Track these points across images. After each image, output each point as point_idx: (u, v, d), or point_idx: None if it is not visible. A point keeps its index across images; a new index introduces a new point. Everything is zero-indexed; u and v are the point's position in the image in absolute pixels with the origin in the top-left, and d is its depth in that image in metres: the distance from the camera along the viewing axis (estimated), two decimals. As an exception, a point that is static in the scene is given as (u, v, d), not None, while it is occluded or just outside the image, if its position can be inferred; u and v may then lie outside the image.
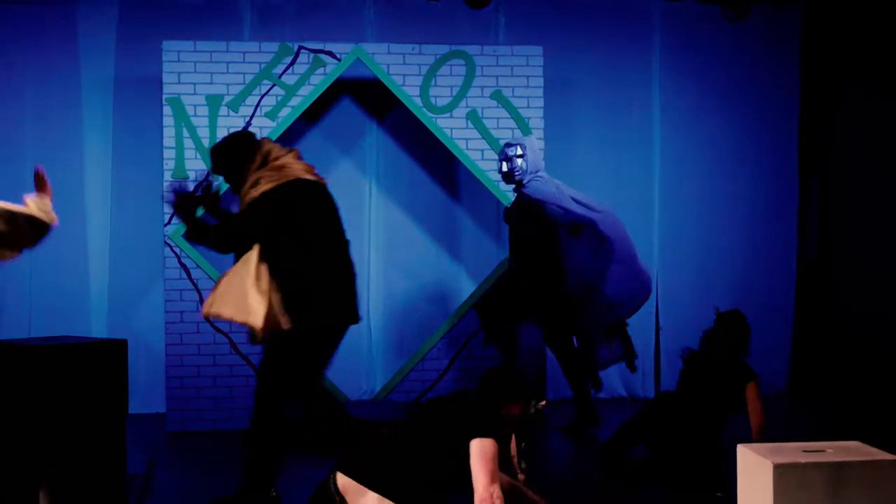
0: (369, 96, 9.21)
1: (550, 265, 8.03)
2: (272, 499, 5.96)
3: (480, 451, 4.84)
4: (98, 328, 9.03)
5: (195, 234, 6.03)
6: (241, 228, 5.92)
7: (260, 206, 5.88)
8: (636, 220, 9.81)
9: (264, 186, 5.89)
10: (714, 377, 6.67)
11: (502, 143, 8.74)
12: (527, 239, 8.11)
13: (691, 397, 6.71)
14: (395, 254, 9.45)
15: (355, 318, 6.17)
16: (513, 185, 8.19)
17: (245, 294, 5.80)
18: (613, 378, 9.70)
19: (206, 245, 6.04)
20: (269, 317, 5.81)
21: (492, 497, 4.76)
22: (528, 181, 8.07)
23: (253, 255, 5.85)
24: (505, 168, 8.12)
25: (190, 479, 6.68)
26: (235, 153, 6.01)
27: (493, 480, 4.81)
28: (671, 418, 6.69)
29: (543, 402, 5.08)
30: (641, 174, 9.89)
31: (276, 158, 5.99)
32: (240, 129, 8.44)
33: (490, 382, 5.02)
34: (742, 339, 6.72)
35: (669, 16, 9.86)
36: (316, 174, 6.15)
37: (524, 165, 8.05)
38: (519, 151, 8.06)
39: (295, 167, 6.01)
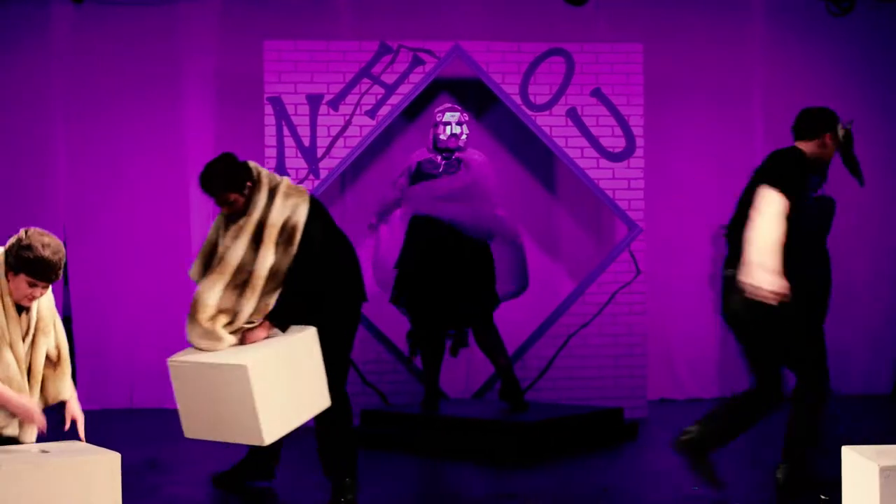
0: (468, 93, 9.22)
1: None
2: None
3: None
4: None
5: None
6: (324, 270, 5.75)
7: (316, 236, 5.70)
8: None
9: (300, 202, 5.69)
10: None
11: (602, 141, 8.70)
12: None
13: None
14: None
15: (365, 296, 6.12)
16: (445, 152, 8.08)
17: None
18: (710, 379, 9.58)
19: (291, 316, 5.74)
20: None
21: None
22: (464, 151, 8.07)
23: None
24: (459, 131, 8.01)
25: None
26: (238, 172, 5.73)
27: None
28: None
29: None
30: (744, 173, 9.74)
31: (269, 176, 5.80)
32: (340, 127, 8.51)
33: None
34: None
35: (772, 11, 9.73)
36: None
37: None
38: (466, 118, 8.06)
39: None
